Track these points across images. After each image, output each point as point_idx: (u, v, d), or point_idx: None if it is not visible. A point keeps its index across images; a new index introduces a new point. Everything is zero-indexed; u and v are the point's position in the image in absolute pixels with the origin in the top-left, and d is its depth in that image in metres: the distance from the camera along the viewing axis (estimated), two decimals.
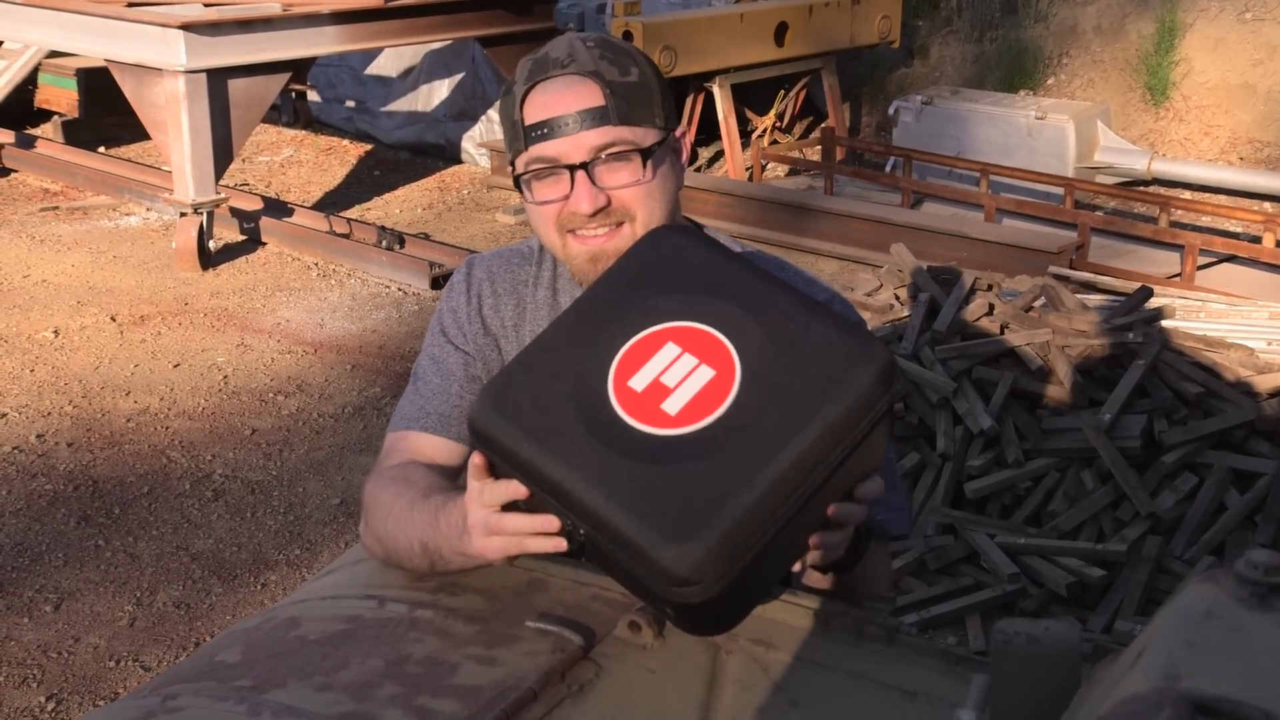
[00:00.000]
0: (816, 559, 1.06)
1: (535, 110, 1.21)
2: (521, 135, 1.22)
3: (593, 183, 1.21)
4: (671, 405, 0.98)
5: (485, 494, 1.07)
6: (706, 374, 0.99)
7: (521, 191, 1.26)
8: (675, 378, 0.99)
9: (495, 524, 1.07)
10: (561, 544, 1.03)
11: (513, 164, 1.26)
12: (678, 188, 1.28)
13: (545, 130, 1.20)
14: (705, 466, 0.95)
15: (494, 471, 1.07)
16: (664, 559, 0.93)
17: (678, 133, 1.28)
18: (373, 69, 7.28)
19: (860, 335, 1.01)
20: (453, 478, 1.29)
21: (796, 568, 1.07)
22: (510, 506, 1.06)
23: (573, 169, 1.20)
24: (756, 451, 0.95)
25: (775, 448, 0.94)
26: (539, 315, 1.33)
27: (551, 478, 0.98)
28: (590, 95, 1.20)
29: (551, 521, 1.02)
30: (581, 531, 1.00)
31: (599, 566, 1.04)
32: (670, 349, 1.01)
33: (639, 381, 1.00)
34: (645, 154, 1.21)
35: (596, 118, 1.19)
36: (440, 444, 1.30)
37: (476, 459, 1.08)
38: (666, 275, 1.05)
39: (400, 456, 1.30)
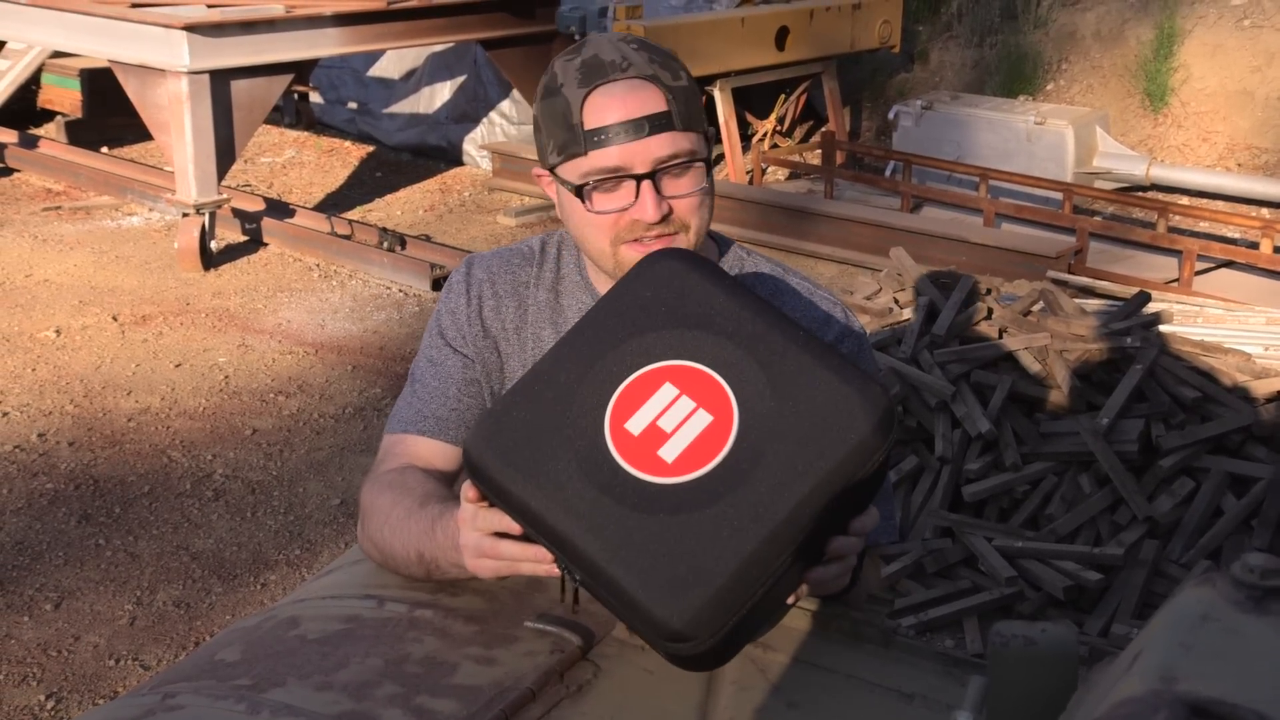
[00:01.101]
0: (809, 592, 1.06)
1: (597, 114, 1.18)
2: (581, 139, 1.19)
3: (658, 192, 1.20)
4: (669, 452, 0.97)
5: (479, 519, 1.07)
6: (704, 419, 0.98)
7: (582, 199, 1.22)
8: (672, 422, 0.98)
9: (489, 548, 1.07)
10: (554, 569, 1.03)
11: (552, 168, 1.23)
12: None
13: (607, 135, 1.18)
14: (701, 519, 0.94)
15: (487, 499, 1.07)
16: (658, 615, 0.92)
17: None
18: (375, 71, 7.29)
19: (859, 381, 0.99)
20: (449, 482, 1.29)
21: (791, 600, 1.06)
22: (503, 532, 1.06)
23: (638, 179, 1.19)
24: (753, 506, 0.94)
25: (771, 502, 0.94)
26: (540, 317, 1.32)
27: (546, 522, 0.98)
28: (654, 100, 1.18)
29: (544, 554, 1.03)
30: (577, 577, 0.99)
31: (593, 596, 1.04)
32: (668, 390, 0.99)
33: (636, 424, 0.99)
34: (707, 162, 1.22)
35: (661, 124, 1.18)
36: (437, 448, 1.30)
37: (469, 490, 1.08)
38: (664, 308, 1.03)
39: (397, 460, 1.29)
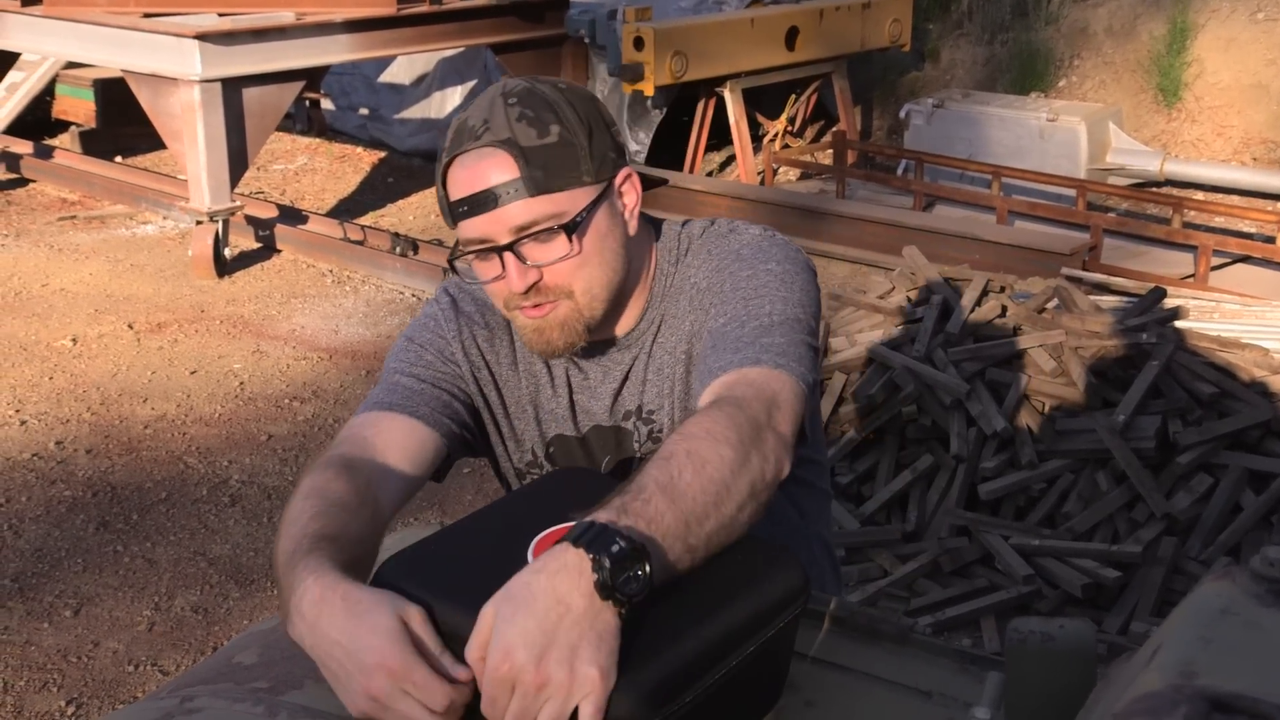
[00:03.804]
0: None
1: (455, 186, 1.18)
2: (448, 211, 1.19)
3: (522, 261, 1.17)
4: None
5: (421, 687, 0.90)
6: None
7: (454, 270, 1.26)
8: None
9: (400, 662, 0.90)
10: None
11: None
12: (623, 239, 1.22)
13: (466, 208, 1.17)
14: (635, 620, 0.91)
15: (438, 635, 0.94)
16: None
17: (620, 177, 1.22)
18: (386, 77, 7.31)
19: (780, 549, 1.01)
20: (408, 472, 1.21)
21: None
22: None
23: (499, 251, 1.17)
24: (691, 614, 0.92)
25: (710, 615, 0.93)
26: (530, 352, 1.29)
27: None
28: (503, 168, 1.15)
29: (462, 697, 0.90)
30: None
31: None
32: None
33: None
34: (569, 228, 1.17)
35: (512, 192, 1.15)
36: (402, 422, 1.23)
37: (410, 618, 0.93)
38: (583, 498, 1.02)
39: (345, 446, 1.21)
